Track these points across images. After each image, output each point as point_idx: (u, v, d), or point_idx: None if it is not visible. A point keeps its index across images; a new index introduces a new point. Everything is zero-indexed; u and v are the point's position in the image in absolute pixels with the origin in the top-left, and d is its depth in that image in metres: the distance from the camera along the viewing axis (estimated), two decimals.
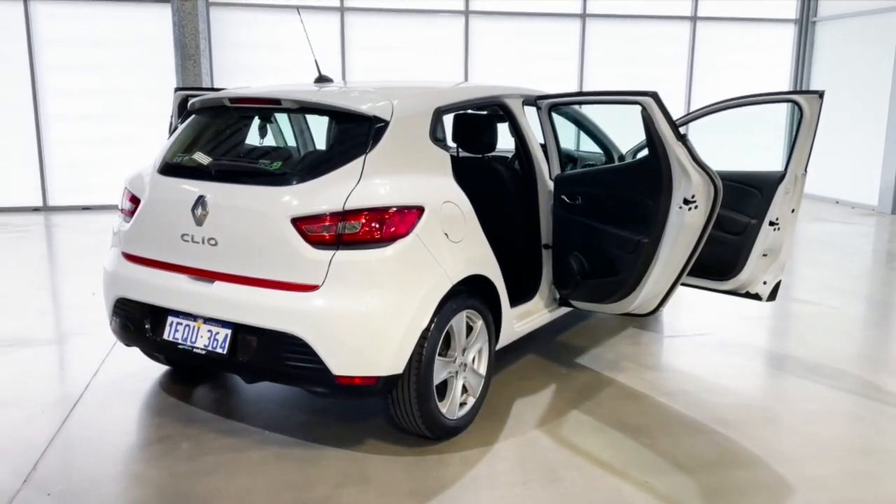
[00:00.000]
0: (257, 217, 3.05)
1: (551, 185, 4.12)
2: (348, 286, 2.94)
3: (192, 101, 3.65)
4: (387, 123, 3.18)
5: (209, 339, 3.18)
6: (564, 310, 4.37)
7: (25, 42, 9.42)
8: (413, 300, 3.03)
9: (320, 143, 4.38)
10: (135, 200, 3.48)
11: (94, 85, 9.69)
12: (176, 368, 4.07)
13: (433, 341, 3.12)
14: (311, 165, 3.19)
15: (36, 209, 9.73)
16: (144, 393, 3.82)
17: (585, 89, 11.06)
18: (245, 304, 3.06)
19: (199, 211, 3.16)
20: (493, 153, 4.24)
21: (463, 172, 3.51)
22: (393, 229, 3.00)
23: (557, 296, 4.26)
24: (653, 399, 3.85)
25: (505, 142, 4.39)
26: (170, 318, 3.30)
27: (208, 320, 3.18)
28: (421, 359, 3.08)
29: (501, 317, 3.66)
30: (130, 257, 3.46)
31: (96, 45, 9.64)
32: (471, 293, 3.38)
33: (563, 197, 3.98)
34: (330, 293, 2.94)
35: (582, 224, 3.89)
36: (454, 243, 3.24)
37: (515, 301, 3.92)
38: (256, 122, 3.72)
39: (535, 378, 4.11)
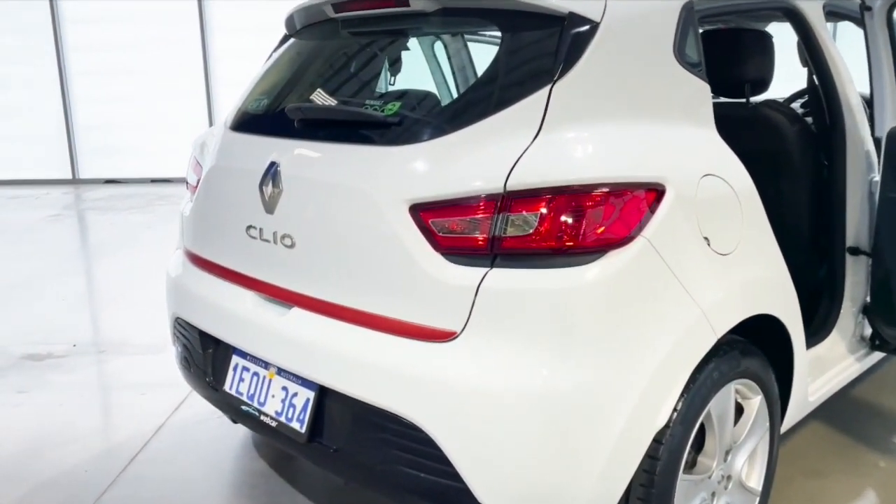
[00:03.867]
0: (352, 200, 1.70)
1: (871, 147, 2.41)
2: (511, 338, 1.51)
3: (286, 15, 2.37)
4: (594, 27, 1.67)
5: (283, 403, 1.90)
6: (877, 356, 2.64)
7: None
8: (640, 371, 1.53)
9: None
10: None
11: (259, 45, 8.97)
12: None
13: (676, 447, 1.61)
14: (451, 108, 1.78)
15: None
16: (227, 446, 2.67)
17: None
18: (333, 355, 1.74)
19: (269, 188, 1.88)
20: (764, 97, 2.58)
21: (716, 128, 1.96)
22: (601, 229, 1.51)
23: (868, 332, 2.55)
24: None
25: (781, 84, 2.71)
26: (234, 359, 2.07)
27: (283, 372, 1.91)
28: (652, 481, 1.59)
29: (792, 382, 2.05)
30: (193, 258, 2.27)
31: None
32: (746, 347, 1.81)
33: None
34: (476, 349, 1.53)
35: None
36: (722, 257, 1.69)
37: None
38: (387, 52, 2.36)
39: (830, 473, 2.44)
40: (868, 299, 2.53)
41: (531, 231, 1.51)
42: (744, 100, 2.48)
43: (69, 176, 9.09)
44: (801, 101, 3.32)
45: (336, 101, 2.01)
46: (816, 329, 2.48)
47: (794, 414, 2.15)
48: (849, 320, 2.51)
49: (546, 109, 1.60)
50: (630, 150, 1.62)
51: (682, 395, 1.60)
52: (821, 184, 2.49)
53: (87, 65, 8.96)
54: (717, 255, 1.67)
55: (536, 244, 1.52)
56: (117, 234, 6.30)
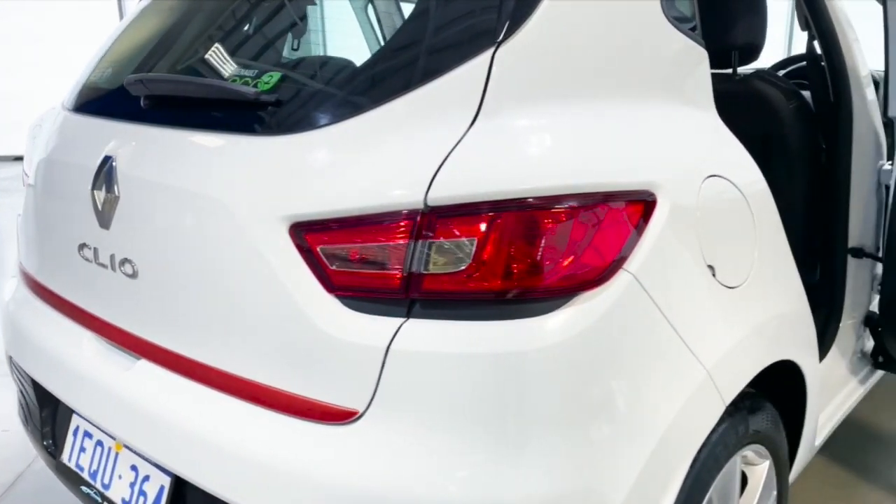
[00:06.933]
0: (209, 214, 1.18)
1: (881, 129, 2.01)
2: (438, 424, 1.03)
3: None
4: None
5: (132, 488, 1.38)
6: (878, 375, 2.26)
7: None
8: (625, 470, 1.06)
9: None
10: None
11: None
12: None
13: None
14: (351, 83, 1.25)
15: None
16: None
17: None
18: (188, 435, 1.22)
19: (102, 193, 1.34)
20: (754, 67, 2.14)
21: None
22: (568, 261, 1.03)
23: (869, 346, 2.17)
24: None
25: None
26: (75, 420, 1.54)
27: (131, 448, 1.39)
28: None
29: (801, 435, 1.62)
30: (29, 280, 1.71)
31: None
32: (755, 402, 1.37)
33: None
34: (386, 437, 1.05)
35: None
36: (730, 291, 1.22)
37: None
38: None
39: None
40: (873, 310, 2.14)
41: (465, 265, 1.02)
42: (730, 70, 2.03)
43: None
44: (785, 71, 2.90)
45: (202, 71, 1.46)
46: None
47: (799, 465, 1.73)
48: (849, 334, 2.11)
49: (486, 85, 1.10)
50: (607, 144, 1.13)
51: (682, 487, 1.15)
52: (820, 172, 2.07)
53: None
54: (724, 289, 1.20)
55: (473, 284, 1.03)
56: None
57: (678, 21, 1.31)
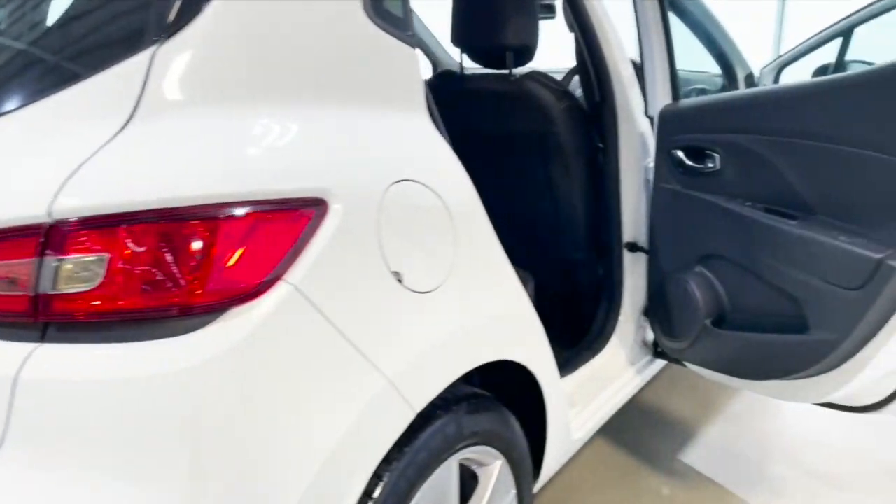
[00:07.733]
0: None
1: (647, 127, 2.09)
2: (77, 461, 0.95)
3: None
4: None
5: None
6: (661, 364, 2.34)
7: None
8: (285, 484, 1.02)
9: None
10: None
11: None
12: None
13: None
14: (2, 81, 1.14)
15: None
16: None
17: None
18: None
19: None
20: (530, 69, 2.16)
21: (470, 109, 1.50)
22: (217, 274, 0.97)
23: (650, 337, 2.25)
24: None
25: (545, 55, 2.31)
26: None
27: None
28: None
29: (546, 432, 1.63)
30: None
31: None
32: (476, 403, 1.36)
33: (679, 153, 1.92)
34: (20, 478, 0.95)
35: (723, 211, 1.82)
36: (421, 296, 1.19)
37: (567, 363, 1.97)
38: None
39: None
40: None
41: (98, 283, 0.94)
42: (506, 72, 2.05)
43: None
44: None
45: None
46: (592, 338, 2.15)
47: (558, 459, 1.75)
48: (629, 326, 2.18)
49: (144, 86, 1.01)
50: (276, 148, 1.07)
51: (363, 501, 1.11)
52: (594, 171, 2.13)
53: None
54: (413, 295, 1.17)
55: (108, 304, 0.94)
56: None
57: (385, 20, 1.27)
